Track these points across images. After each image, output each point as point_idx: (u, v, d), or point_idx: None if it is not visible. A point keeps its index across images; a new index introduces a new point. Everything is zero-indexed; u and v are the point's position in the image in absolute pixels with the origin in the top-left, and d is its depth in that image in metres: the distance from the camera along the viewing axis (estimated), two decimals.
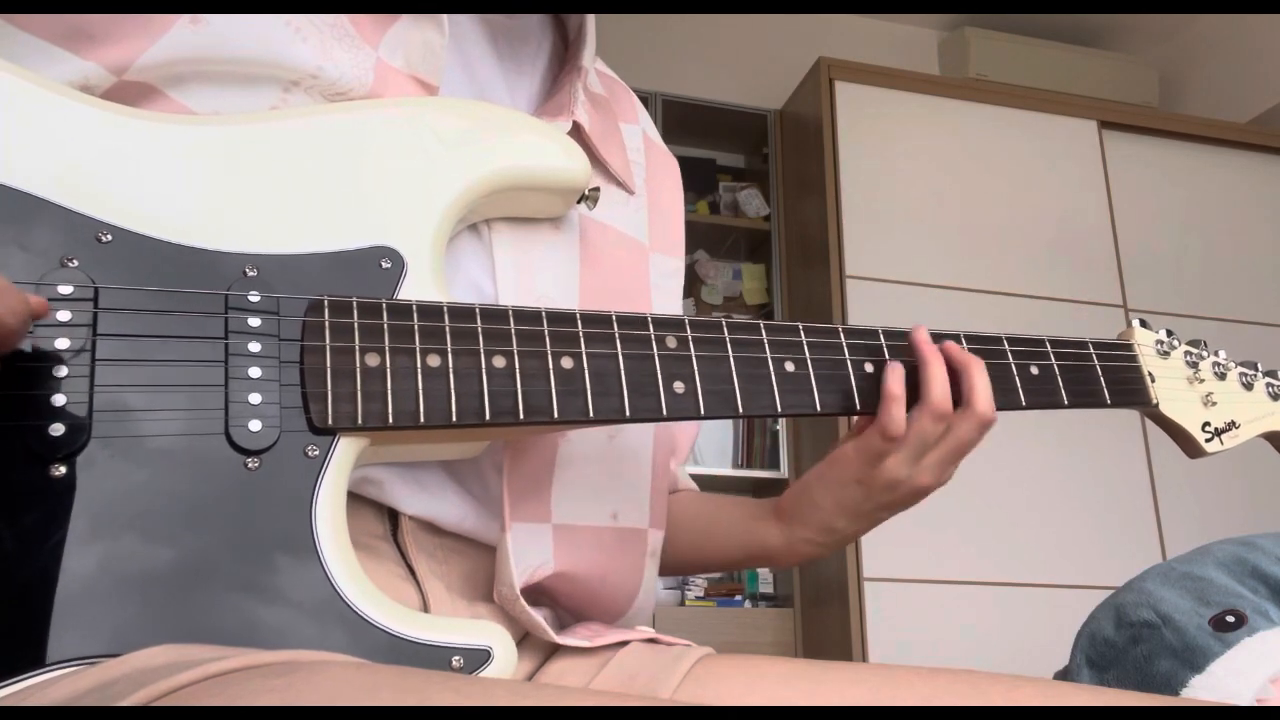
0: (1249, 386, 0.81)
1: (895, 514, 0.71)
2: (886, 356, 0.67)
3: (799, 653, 2.69)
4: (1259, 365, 0.82)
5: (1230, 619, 0.77)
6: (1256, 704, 0.70)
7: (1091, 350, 0.74)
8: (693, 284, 3.20)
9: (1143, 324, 0.78)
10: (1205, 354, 0.80)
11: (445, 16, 0.63)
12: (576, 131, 0.68)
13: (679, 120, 3.20)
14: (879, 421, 0.66)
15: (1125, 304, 2.90)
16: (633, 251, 0.72)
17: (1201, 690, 0.73)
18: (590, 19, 0.75)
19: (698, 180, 3.26)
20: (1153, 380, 0.76)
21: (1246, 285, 3.03)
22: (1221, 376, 0.80)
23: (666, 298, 0.76)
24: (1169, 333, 0.80)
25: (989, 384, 0.67)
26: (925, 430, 0.66)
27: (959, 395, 0.67)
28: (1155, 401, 0.76)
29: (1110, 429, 2.73)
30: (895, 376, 0.66)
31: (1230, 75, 3.45)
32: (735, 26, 3.45)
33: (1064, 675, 0.88)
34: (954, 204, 2.87)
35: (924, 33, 3.64)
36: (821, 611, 2.61)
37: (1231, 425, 0.78)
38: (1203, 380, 0.79)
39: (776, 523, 0.74)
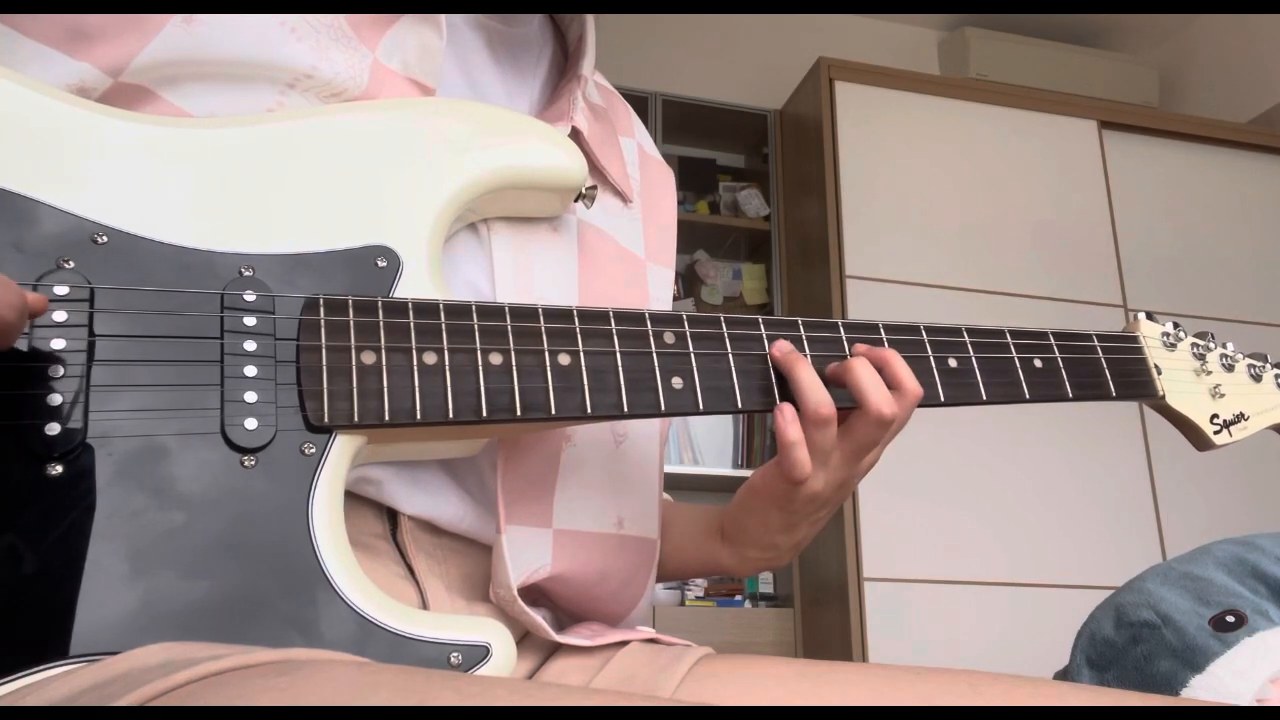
0: (1258, 378, 0.80)
1: (836, 508, 0.68)
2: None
3: (799, 653, 2.69)
4: (1268, 357, 0.82)
5: (1230, 619, 0.76)
6: (1256, 704, 0.70)
7: (1096, 343, 0.73)
8: (693, 284, 3.19)
9: (1149, 316, 0.78)
10: (1213, 346, 0.80)
11: (444, 18, 0.63)
12: (575, 136, 0.68)
13: (679, 120, 3.20)
14: (783, 468, 0.61)
15: (1125, 304, 2.90)
16: (631, 264, 0.72)
17: (1201, 690, 0.73)
18: (590, 30, 0.74)
19: (698, 180, 3.26)
20: (1159, 373, 0.75)
21: (1246, 285, 3.03)
22: (1229, 368, 0.79)
23: (661, 309, 0.76)
24: (1176, 325, 0.79)
25: (873, 378, 0.61)
26: (821, 443, 0.61)
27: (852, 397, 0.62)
28: (1161, 394, 0.75)
29: (1111, 429, 2.72)
30: (789, 419, 0.60)
31: (1230, 75, 3.44)
32: (735, 26, 3.45)
33: (1064, 675, 0.88)
34: (954, 204, 2.87)
35: (924, 33, 3.63)
36: (821, 611, 2.60)
37: (1240, 417, 0.78)
38: (1210, 372, 0.78)
39: (723, 543, 0.72)
